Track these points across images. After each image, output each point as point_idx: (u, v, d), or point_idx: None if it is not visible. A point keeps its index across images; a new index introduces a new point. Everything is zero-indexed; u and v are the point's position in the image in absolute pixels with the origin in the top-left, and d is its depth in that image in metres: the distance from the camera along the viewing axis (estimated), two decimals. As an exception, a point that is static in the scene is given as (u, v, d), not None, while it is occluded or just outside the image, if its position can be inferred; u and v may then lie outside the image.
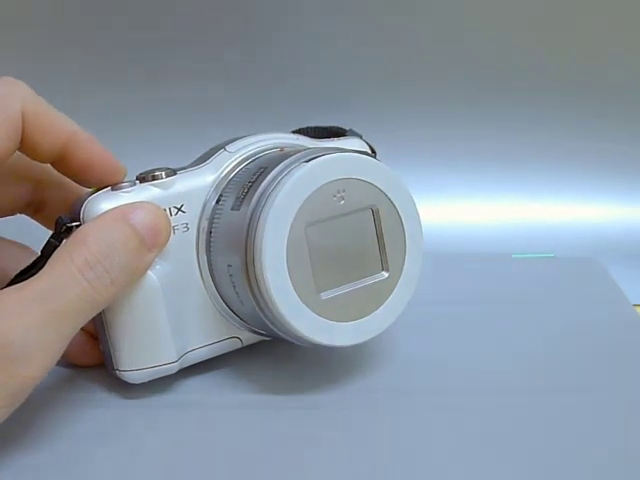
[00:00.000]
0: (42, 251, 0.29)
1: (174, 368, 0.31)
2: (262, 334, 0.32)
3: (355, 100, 0.52)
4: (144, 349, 0.31)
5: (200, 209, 0.31)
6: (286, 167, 0.29)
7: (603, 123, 0.53)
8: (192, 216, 0.31)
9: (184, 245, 0.31)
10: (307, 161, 0.29)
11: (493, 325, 0.38)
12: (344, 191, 0.29)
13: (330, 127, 0.36)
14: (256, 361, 0.34)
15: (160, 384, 0.32)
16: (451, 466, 0.28)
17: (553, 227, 0.53)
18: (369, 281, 0.30)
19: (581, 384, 0.33)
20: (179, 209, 0.31)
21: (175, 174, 0.31)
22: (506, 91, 0.52)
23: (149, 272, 0.30)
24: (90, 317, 0.28)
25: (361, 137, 0.36)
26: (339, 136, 0.35)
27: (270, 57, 0.50)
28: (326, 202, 0.29)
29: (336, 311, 0.30)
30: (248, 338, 0.33)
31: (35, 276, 0.27)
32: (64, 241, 0.29)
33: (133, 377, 0.31)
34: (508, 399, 0.31)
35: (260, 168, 0.30)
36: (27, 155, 0.30)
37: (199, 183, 0.31)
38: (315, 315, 0.29)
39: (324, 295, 0.29)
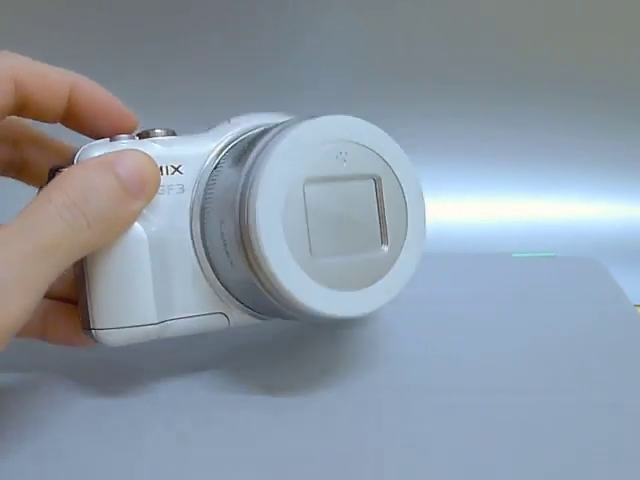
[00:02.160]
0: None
1: (153, 332, 0.29)
2: (251, 311, 0.31)
3: (355, 96, 0.52)
4: (123, 304, 0.29)
5: (197, 173, 0.30)
6: (291, 124, 0.28)
7: (604, 122, 0.53)
8: (189, 179, 0.30)
9: (178, 207, 0.30)
10: (312, 118, 0.28)
11: (493, 324, 0.38)
12: (347, 154, 0.28)
13: None
14: (257, 357, 0.34)
15: (151, 385, 0.32)
16: (453, 464, 0.27)
17: (553, 226, 0.53)
18: (367, 254, 0.29)
19: (581, 384, 0.33)
20: (176, 169, 0.30)
21: (175, 135, 0.30)
22: (506, 89, 0.52)
23: (137, 224, 0.29)
24: (70, 261, 0.27)
25: None
26: None
27: (273, 52, 0.50)
28: (328, 160, 0.28)
29: (331, 278, 0.28)
30: (235, 319, 0.31)
31: (16, 216, 0.26)
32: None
33: (109, 338, 0.29)
34: (507, 398, 0.31)
35: (264, 131, 0.29)
36: (37, 118, 0.31)
37: (199, 147, 0.31)
38: (309, 279, 0.28)
39: (319, 259, 0.28)
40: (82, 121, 0.31)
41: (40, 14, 0.49)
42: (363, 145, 0.29)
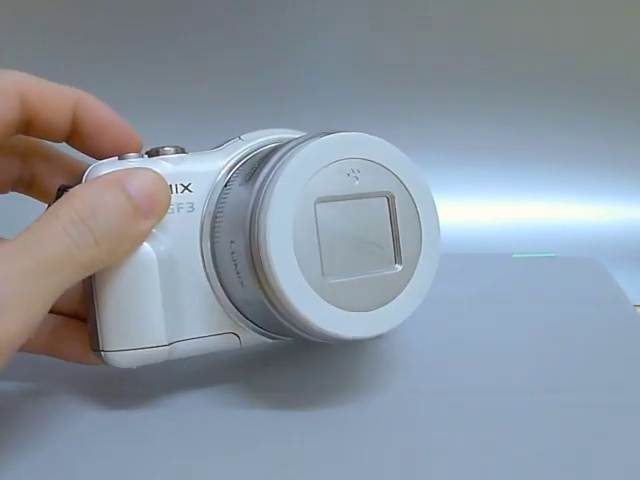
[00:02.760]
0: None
1: (163, 354, 0.29)
2: (262, 330, 0.31)
3: (355, 97, 0.52)
4: (132, 326, 0.29)
5: (208, 191, 0.30)
6: (301, 142, 0.28)
7: (604, 122, 0.53)
8: (199, 197, 0.30)
9: (188, 226, 0.30)
10: (322, 136, 0.28)
11: (493, 324, 0.38)
12: (359, 172, 0.28)
13: None
14: (263, 364, 0.34)
15: (158, 393, 0.31)
16: (454, 464, 0.27)
17: (553, 227, 0.53)
18: (380, 273, 0.28)
19: (581, 384, 0.32)
20: (186, 187, 0.30)
21: (185, 153, 0.30)
22: (507, 90, 0.52)
23: (145, 243, 0.28)
24: (76, 279, 0.26)
25: None
26: None
27: (272, 55, 0.50)
28: (339, 179, 0.28)
29: (343, 299, 0.27)
30: (247, 338, 0.31)
31: (21, 232, 0.26)
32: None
33: (118, 359, 0.29)
34: (507, 398, 0.31)
35: (274, 149, 0.29)
36: (43, 136, 0.30)
37: (209, 165, 0.30)
38: (321, 299, 0.27)
39: (331, 279, 0.27)
40: (87, 139, 0.31)
41: (40, 14, 0.49)
42: (375, 162, 0.28)
